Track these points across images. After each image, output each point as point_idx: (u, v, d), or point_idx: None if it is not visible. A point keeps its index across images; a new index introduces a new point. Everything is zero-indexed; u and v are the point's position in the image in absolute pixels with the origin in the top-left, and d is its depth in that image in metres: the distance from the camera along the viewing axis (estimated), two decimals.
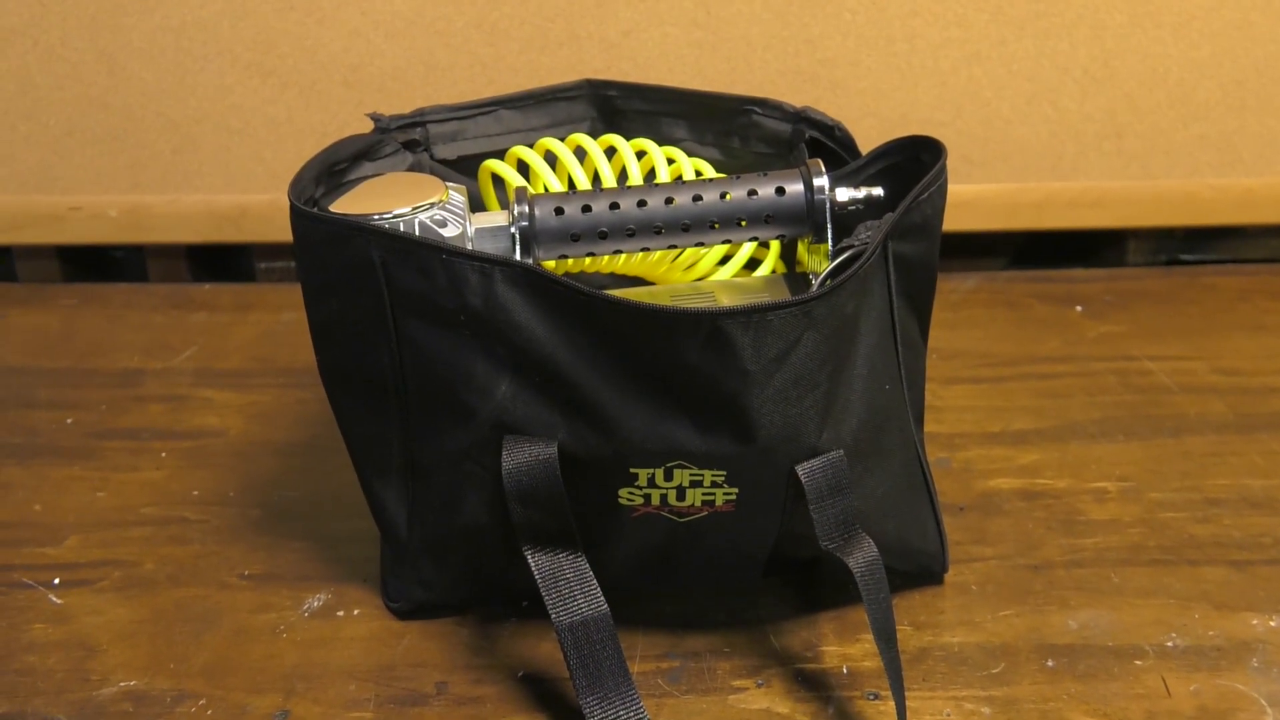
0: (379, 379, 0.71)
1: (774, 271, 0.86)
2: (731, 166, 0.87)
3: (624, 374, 0.66)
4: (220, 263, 1.26)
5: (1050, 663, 0.74)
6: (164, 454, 0.94)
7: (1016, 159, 1.19)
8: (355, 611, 0.78)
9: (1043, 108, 1.17)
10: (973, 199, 1.19)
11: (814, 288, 0.77)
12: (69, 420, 0.98)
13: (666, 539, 0.72)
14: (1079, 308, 1.16)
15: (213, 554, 0.83)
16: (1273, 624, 0.77)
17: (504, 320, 0.66)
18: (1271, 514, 0.87)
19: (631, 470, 0.68)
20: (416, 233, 0.71)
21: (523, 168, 0.84)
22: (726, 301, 0.79)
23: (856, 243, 0.73)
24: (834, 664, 0.73)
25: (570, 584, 0.67)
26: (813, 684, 0.72)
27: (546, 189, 0.83)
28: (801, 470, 0.67)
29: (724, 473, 0.68)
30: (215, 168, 1.19)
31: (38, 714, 0.70)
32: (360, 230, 0.67)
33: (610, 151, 0.84)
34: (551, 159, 0.84)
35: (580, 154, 0.84)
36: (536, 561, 0.68)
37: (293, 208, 0.69)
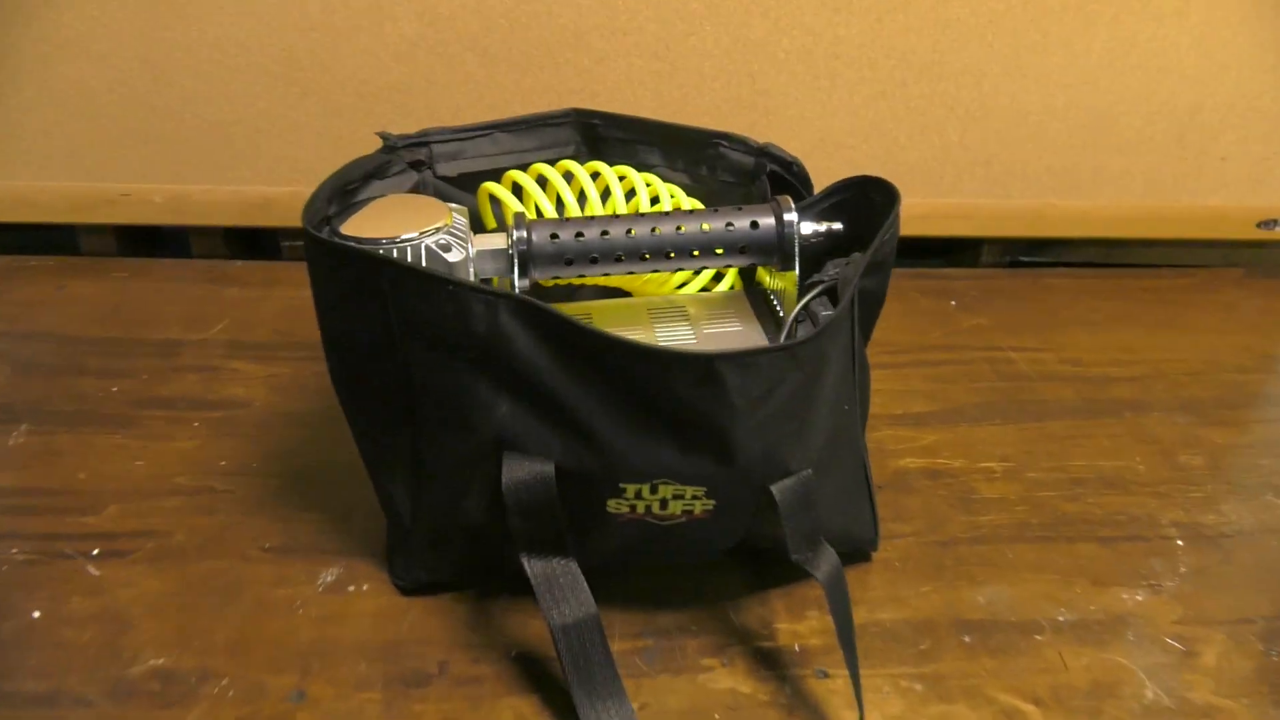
0: (386, 392, 0.53)
1: (732, 287, 0.70)
2: (699, 192, 0.70)
3: (617, 402, 0.49)
4: (253, 239, 1.05)
5: (967, 638, 0.60)
6: (196, 424, 0.75)
7: (908, 178, 1.03)
8: (364, 587, 0.61)
9: (931, 137, 1.01)
10: None
11: (777, 307, 0.61)
12: (114, 388, 0.79)
13: (646, 537, 0.56)
14: (953, 302, 1.01)
15: (237, 525, 0.65)
16: (1139, 598, 0.64)
17: (506, 348, 0.49)
18: (1124, 493, 0.74)
19: (620, 485, 0.52)
20: (423, 257, 0.53)
21: (517, 189, 0.66)
22: (694, 312, 0.63)
23: (826, 278, 0.57)
24: (787, 641, 0.59)
25: (563, 589, 0.52)
26: (770, 662, 0.57)
27: (538, 208, 0.65)
28: (776, 490, 0.52)
29: (704, 489, 0.52)
30: (245, 163, 0.98)
31: (71, 694, 0.53)
32: (371, 259, 0.49)
33: (595, 176, 0.67)
34: (542, 182, 0.66)
35: (569, 178, 0.66)
36: (532, 567, 0.52)
37: (306, 233, 0.51)
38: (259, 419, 0.76)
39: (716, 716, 0.54)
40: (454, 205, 0.59)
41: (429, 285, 0.49)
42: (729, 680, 0.56)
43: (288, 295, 0.94)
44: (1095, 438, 0.81)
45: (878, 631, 0.60)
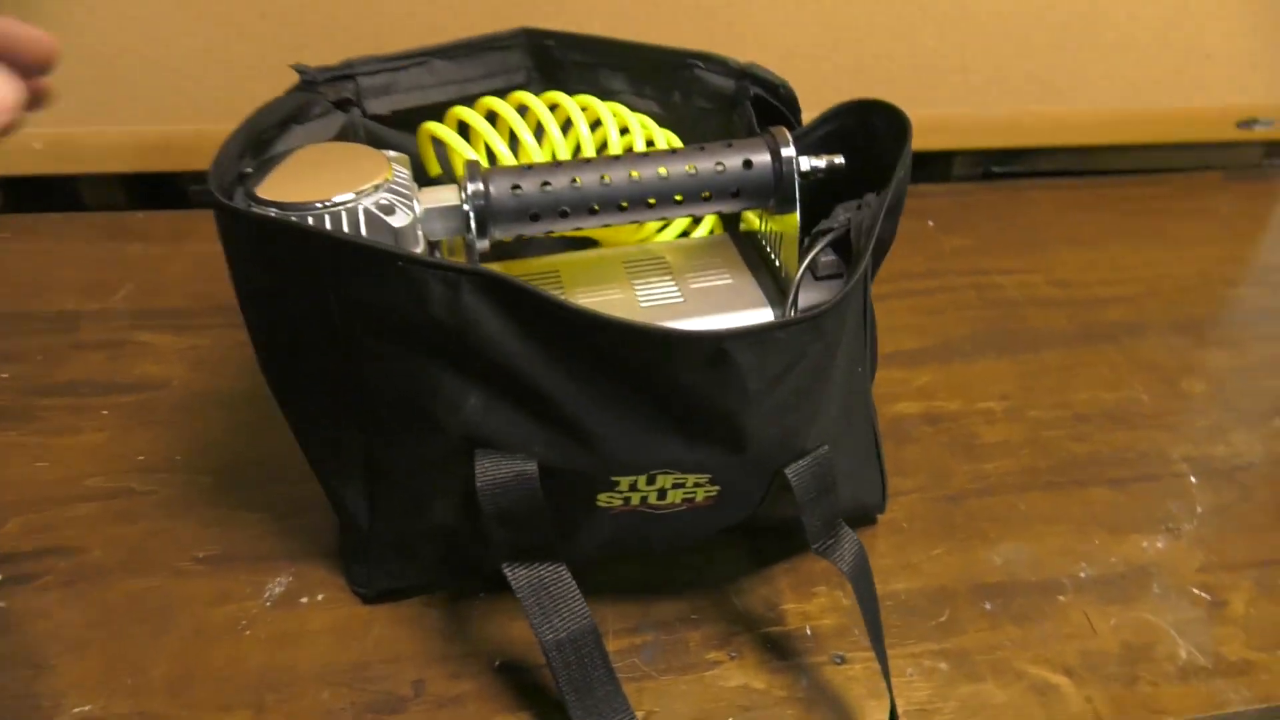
0: (329, 387, 0.46)
1: (712, 230, 0.62)
2: (670, 121, 0.62)
3: (609, 390, 0.43)
4: (154, 185, 0.93)
5: (987, 605, 0.56)
6: (105, 412, 0.66)
7: (881, 89, 0.94)
8: (319, 596, 0.54)
9: (904, 45, 0.93)
10: None
11: (770, 253, 0.54)
12: (4, 375, 0.69)
13: (638, 526, 0.50)
14: (930, 221, 0.95)
15: (163, 532, 0.57)
16: (1160, 545, 0.61)
17: (473, 333, 0.42)
18: (1129, 428, 0.70)
19: (612, 479, 0.45)
20: (362, 223, 0.45)
21: (464, 128, 0.57)
22: (676, 263, 0.56)
23: (836, 225, 0.50)
24: (796, 624, 0.54)
25: (554, 599, 0.45)
26: (781, 650, 0.53)
27: (490, 149, 0.57)
28: (792, 474, 0.46)
29: (708, 476, 0.46)
30: (138, 99, 0.85)
31: None
32: (299, 233, 0.41)
33: (553, 109, 0.58)
34: (493, 118, 0.57)
35: (523, 112, 0.57)
36: (516, 577, 0.45)
37: (216, 202, 0.42)
38: (179, 401, 0.67)
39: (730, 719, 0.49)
40: (392, 154, 0.50)
41: (375, 262, 0.40)
42: (739, 675, 0.51)
43: (201, 250, 0.84)
44: (1094, 366, 0.76)
45: (894, 605, 0.56)
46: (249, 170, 0.47)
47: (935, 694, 0.51)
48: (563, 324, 0.41)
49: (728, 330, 0.40)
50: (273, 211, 0.43)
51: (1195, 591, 0.58)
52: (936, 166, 1.06)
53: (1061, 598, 0.57)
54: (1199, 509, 0.64)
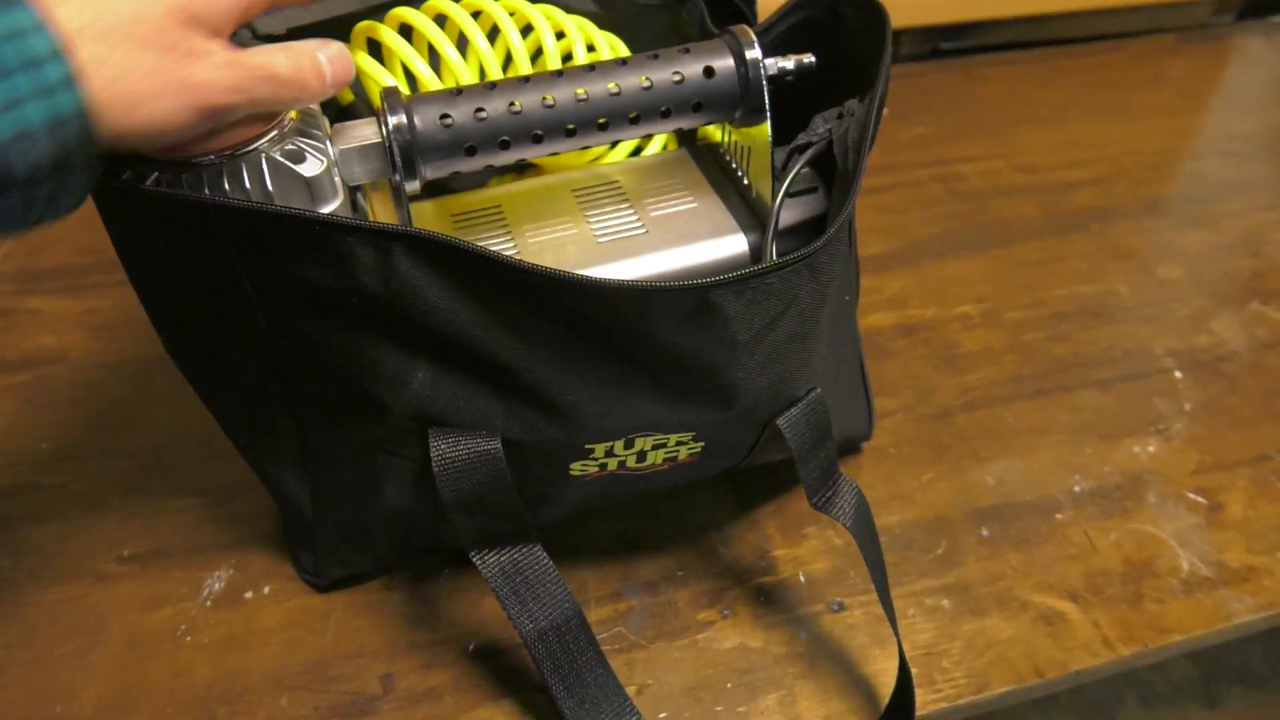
0: (253, 372, 0.39)
1: (665, 146, 0.56)
2: (611, 22, 0.54)
3: (578, 353, 0.37)
4: None
5: (985, 531, 0.53)
6: None
7: None
8: (266, 589, 0.49)
9: None
10: None
11: (734, 168, 0.48)
12: None
13: (615, 487, 0.45)
14: (885, 109, 0.89)
15: (80, 532, 0.51)
16: (1151, 449, 0.58)
17: (413, 302, 0.35)
18: (1110, 322, 0.67)
19: (587, 446, 0.40)
20: (267, 177, 0.37)
21: (374, 46, 0.49)
22: (630, 186, 0.49)
23: (815, 138, 0.44)
24: (789, 572, 0.50)
25: (530, 584, 0.40)
26: (776, 602, 0.49)
27: (407, 70, 0.49)
28: (784, 423, 0.41)
29: (692, 433, 0.41)
30: None
31: None
32: (188, 205, 0.34)
33: (476, 16, 0.50)
34: (407, 32, 0.49)
35: (442, 22, 0.49)
36: (486, 564, 0.40)
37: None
38: (82, 377, 0.60)
39: (729, 685, 0.45)
40: None
41: (288, 231, 0.34)
42: (734, 635, 0.47)
43: None
44: (1068, 259, 0.73)
45: (889, 540, 0.52)
46: None
47: (940, 633, 0.48)
48: (520, 286, 0.35)
49: (713, 280, 0.34)
50: (154, 175, 0.35)
51: (1191, 496, 0.56)
52: None
53: (1059, 516, 0.54)
54: (1187, 406, 0.61)
